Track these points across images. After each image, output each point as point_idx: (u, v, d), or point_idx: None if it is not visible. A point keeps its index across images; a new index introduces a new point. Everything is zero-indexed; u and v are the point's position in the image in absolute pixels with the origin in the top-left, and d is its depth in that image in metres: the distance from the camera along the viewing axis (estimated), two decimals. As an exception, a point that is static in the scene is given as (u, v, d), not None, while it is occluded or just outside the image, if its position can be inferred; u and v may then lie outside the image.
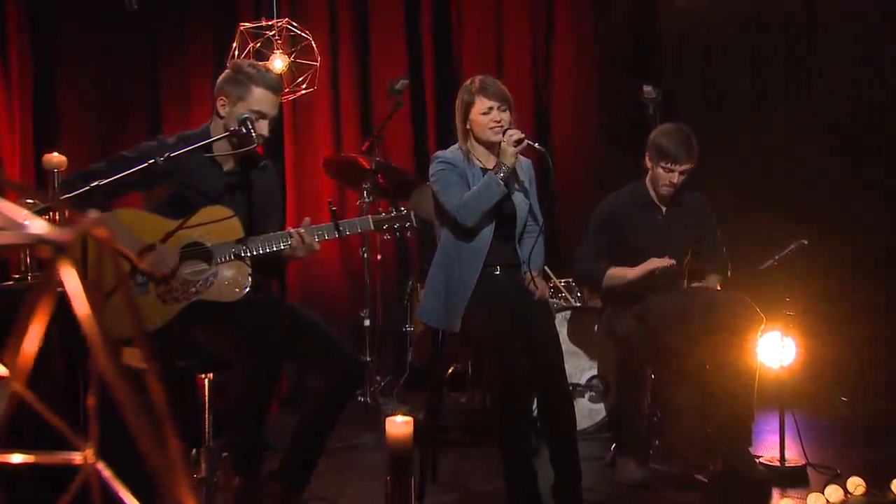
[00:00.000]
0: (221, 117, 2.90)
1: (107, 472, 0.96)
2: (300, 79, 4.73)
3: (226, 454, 2.85)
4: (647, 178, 3.71)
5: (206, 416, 2.92)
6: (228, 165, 2.98)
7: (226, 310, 2.77)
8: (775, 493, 3.31)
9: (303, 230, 2.83)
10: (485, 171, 3.21)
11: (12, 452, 0.98)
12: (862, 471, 3.23)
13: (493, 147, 3.22)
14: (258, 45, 4.59)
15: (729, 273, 3.76)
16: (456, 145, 3.30)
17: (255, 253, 2.80)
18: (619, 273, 3.60)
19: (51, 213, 2.80)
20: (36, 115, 4.64)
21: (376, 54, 5.60)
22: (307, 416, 2.93)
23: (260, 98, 2.85)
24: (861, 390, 4.79)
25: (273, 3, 5.02)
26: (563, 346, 3.19)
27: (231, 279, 2.79)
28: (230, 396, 2.87)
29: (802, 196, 5.16)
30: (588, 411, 4.18)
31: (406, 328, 4.88)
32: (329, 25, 5.48)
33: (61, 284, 0.82)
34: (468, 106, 3.21)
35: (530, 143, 3.14)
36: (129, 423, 0.85)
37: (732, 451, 3.37)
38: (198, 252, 2.79)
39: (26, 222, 0.88)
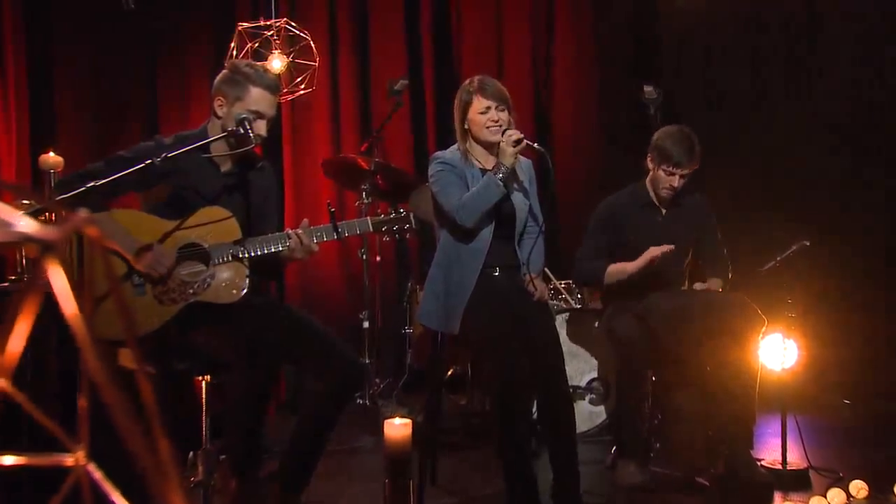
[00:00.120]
0: (219, 118, 2.88)
1: (98, 474, 0.95)
2: (299, 79, 4.71)
3: (224, 457, 2.83)
4: (648, 179, 3.69)
5: (204, 418, 2.90)
6: (226, 166, 2.96)
7: (223, 311, 2.75)
8: (777, 496, 3.28)
9: (301, 231, 2.81)
10: (484, 171, 3.19)
11: (3, 454, 0.96)
12: (864, 474, 3.21)
13: (492, 147, 3.20)
14: (256, 45, 4.57)
15: (730, 275, 3.74)
16: (455, 146, 3.28)
17: (252, 254, 2.78)
18: (620, 268, 3.57)
19: (47, 214, 2.78)
20: (32, 116, 4.63)
21: (375, 54, 5.59)
22: (306, 419, 2.92)
23: (258, 98, 2.83)
24: (864, 392, 4.77)
25: (271, 2, 5.01)
26: (564, 348, 3.17)
27: (229, 281, 2.77)
28: (228, 399, 2.84)
29: (802, 196, 5.15)
30: (588, 414, 4.16)
31: (405, 330, 4.86)
32: (328, 25, 5.48)
33: (48, 283, 0.79)
34: (466, 105, 3.20)
35: (529, 143, 3.12)
36: (117, 423, 0.83)
37: (734, 454, 3.34)
38: (195, 253, 2.77)
39: (13, 220, 0.85)
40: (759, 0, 5.44)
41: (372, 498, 3.25)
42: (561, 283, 4.60)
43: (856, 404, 4.70)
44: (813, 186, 5.17)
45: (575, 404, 3.26)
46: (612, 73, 5.71)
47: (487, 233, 3.18)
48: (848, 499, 3.06)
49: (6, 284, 3.38)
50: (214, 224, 2.79)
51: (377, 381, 4.79)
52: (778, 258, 3.56)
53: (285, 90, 4.66)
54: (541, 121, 5.77)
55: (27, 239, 0.80)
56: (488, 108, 3.14)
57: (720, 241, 3.77)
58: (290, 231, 2.82)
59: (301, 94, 4.78)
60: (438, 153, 3.30)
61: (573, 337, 4.18)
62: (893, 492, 3.09)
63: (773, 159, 5.28)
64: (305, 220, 2.88)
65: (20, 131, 4.51)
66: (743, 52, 5.48)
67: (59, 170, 3.45)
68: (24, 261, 3.38)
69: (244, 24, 4.59)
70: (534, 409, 3.42)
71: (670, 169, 3.53)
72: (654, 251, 3.47)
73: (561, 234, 5.40)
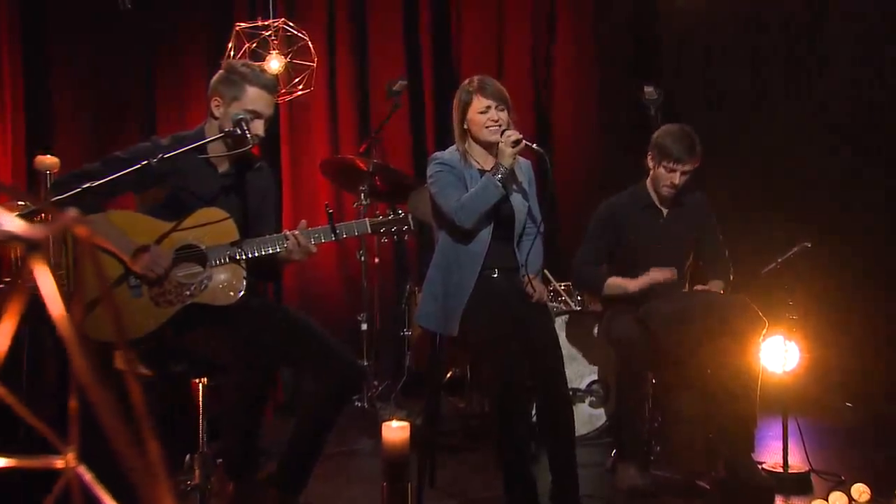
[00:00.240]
0: (216, 118, 2.87)
1: (88, 476, 0.93)
2: (297, 79, 4.69)
3: (220, 460, 2.82)
4: (648, 180, 3.67)
5: (201, 421, 2.89)
6: (223, 167, 2.94)
7: (220, 313, 2.73)
8: (778, 500, 3.27)
9: (299, 233, 2.79)
10: (482, 172, 3.18)
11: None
12: (866, 477, 3.20)
13: (490, 148, 3.19)
14: (254, 45, 4.56)
15: (731, 277, 3.72)
16: (453, 146, 3.27)
17: (249, 256, 2.77)
18: (620, 283, 3.56)
19: (42, 215, 2.76)
20: (28, 116, 4.60)
21: (374, 55, 5.57)
22: (304, 421, 2.90)
23: (254, 98, 2.82)
24: (866, 394, 4.74)
25: (269, 2, 4.99)
26: (563, 351, 3.16)
27: (226, 282, 2.75)
28: (225, 401, 2.82)
29: (802, 196, 5.14)
30: (588, 417, 4.14)
31: (404, 332, 4.84)
32: (326, 25, 5.46)
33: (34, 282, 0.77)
34: (466, 105, 3.18)
35: (528, 143, 3.11)
36: (104, 423, 0.81)
37: (734, 457, 3.33)
38: (192, 254, 2.75)
39: (0, 220, 0.83)
40: (759, 0, 5.43)
41: (370, 501, 3.24)
42: (560, 285, 4.58)
43: (858, 407, 4.68)
44: (813, 186, 5.16)
45: (575, 407, 3.25)
46: (612, 73, 5.69)
47: (486, 234, 3.16)
48: (850, 502, 3.04)
49: (1, 286, 3.36)
50: (212, 225, 2.77)
51: (375, 383, 4.76)
52: (779, 260, 3.54)
53: (283, 91, 4.64)
54: (541, 121, 5.75)
55: (12, 238, 0.78)
56: (488, 107, 3.13)
57: (721, 242, 3.75)
58: (287, 232, 2.81)
59: (299, 95, 4.77)
60: (437, 154, 3.29)
61: (573, 339, 4.15)
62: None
63: (773, 159, 5.27)
64: (303, 222, 2.86)
65: (16, 132, 4.49)
66: (743, 52, 5.47)
67: (55, 171, 3.43)
68: (18, 262, 3.36)
69: (242, 24, 4.58)
70: (533, 412, 3.39)
71: (671, 165, 3.51)
72: (655, 276, 3.46)
73: (560, 235, 5.38)
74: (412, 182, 4.45)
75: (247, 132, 2.76)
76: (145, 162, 2.59)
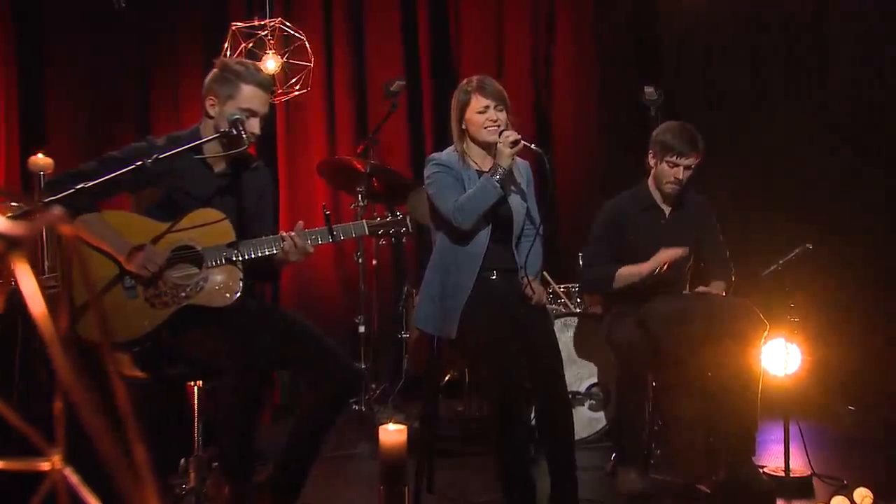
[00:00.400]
0: (211, 118, 2.84)
1: (74, 479, 0.90)
2: (293, 80, 4.67)
3: (216, 463, 2.79)
4: (650, 180, 3.64)
5: (196, 424, 2.86)
6: (219, 167, 2.91)
7: (217, 315, 2.70)
8: None
9: (295, 234, 2.76)
10: (480, 173, 3.15)
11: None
12: (869, 481, 3.15)
13: (489, 148, 3.16)
14: (250, 45, 4.53)
15: (733, 278, 3.69)
16: (451, 147, 3.24)
17: (246, 257, 2.74)
18: (631, 271, 3.50)
19: (34, 216, 2.73)
20: (22, 116, 4.58)
21: (371, 55, 5.55)
22: (300, 425, 2.87)
23: (250, 96, 2.79)
24: (868, 397, 4.72)
25: (266, 2, 4.96)
26: (563, 354, 3.13)
27: (222, 284, 2.72)
28: (220, 404, 2.79)
29: (802, 196, 5.13)
30: (588, 420, 4.11)
31: (402, 335, 4.81)
32: (323, 25, 5.44)
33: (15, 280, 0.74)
34: (464, 105, 3.15)
35: (527, 144, 3.07)
36: (87, 424, 0.78)
37: (736, 461, 3.30)
38: (188, 255, 2.72)
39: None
40: (759, 0, 5.42)
41: (367, 505, 3.20)
42: (560, 287, 4.55)
43: (860, 410, 4.65)
44: (813, 186, 5.15)
45: (574, 410, 3.23)
46: (612, 73, 5.68)
47: (484, 236, 3.13)
48: (853, 506, 3.01)
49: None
50: (208, 226, 2.75)
51: (373, 386, 4.74)
52: (780, 261, 3.52)
53: (280, 91, 4.62)
54: (541, 121, 5.73)
55: (-7, 235, 0.75)
56: (487, 107, 3.10)
57: (722, 243, 3.72)
58: (284, 234, 2.78)
59: (296, 95, 4.74)
60: (434, 154, 3.26)
61: (573, 342, 4.12)
62: (898, 498, 3.05)
63: (773, 159, 5.25)
64: (300, 223, 2.84)
65: (9, 132, 4.47)
66: (743, 52, 5.46)
67: (49, 171, 3.41)
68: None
69: (238, 23, 4.55)
70: (532, 414, 3.36)
71: (674, 160, 3.48)
72: (666, 254, 3.41)
73: (560, 236, 5.36)
74: (410, 183, 4.43)
75: (243, 132, 2.73)
76: (140, 162, 2.56)
